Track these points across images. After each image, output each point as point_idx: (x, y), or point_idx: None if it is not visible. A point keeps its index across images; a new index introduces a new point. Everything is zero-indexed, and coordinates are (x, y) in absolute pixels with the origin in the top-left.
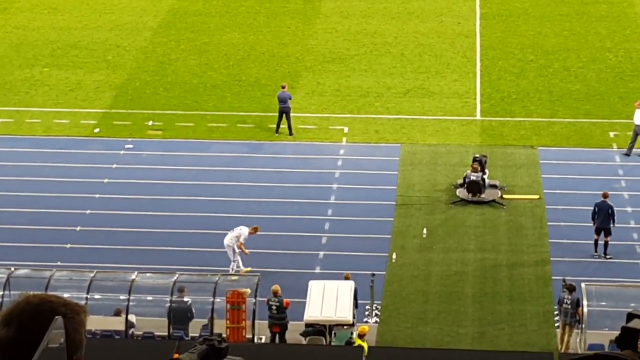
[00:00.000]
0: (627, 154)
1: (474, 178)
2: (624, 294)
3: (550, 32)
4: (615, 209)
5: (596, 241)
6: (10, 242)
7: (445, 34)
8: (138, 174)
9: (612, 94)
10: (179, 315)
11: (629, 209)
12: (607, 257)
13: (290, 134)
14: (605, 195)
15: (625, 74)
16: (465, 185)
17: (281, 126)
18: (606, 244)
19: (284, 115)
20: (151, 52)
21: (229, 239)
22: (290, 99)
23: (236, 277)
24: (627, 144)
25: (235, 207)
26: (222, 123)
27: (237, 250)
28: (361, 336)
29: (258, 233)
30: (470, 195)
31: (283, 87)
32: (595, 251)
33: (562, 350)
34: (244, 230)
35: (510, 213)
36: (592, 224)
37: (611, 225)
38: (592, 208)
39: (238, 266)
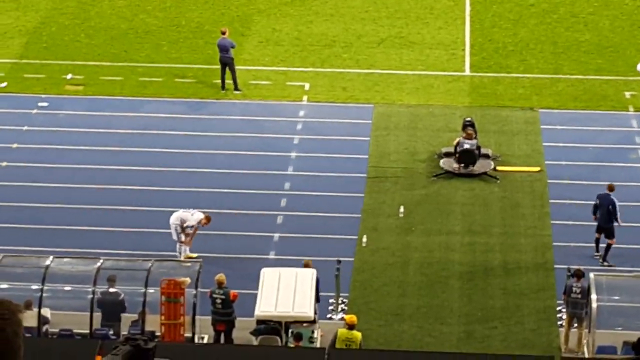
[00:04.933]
0: None
1: (468, 146)
2: None
3: None
4: (617, 204)
5: (597, 240)
6: None
7: None
8: (54, 138)
9: (628, 45)
10: (109, 310)
11: None
12: (605, 264)
13: (236, 89)
14: (610, 188)
15: None
16: (457, 154)
17: (227, 81)
18: (608, 247)
19: (227, 67)
20: None
21: (175, 218)
22: (233, 47)
23: (173, 264)
24: None
25: (173, 179)
26: (156, 77)
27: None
28: (351, 327)
29: (202, 212)
30: (461, 166)
31: (223, 33)
32: (597, 251)
33: (566, 349)
34: (195, 216)
35: (504, 189)
36: (593, 218)
37: (614, 223)
38: (600, 184)
39: (184, 250)
